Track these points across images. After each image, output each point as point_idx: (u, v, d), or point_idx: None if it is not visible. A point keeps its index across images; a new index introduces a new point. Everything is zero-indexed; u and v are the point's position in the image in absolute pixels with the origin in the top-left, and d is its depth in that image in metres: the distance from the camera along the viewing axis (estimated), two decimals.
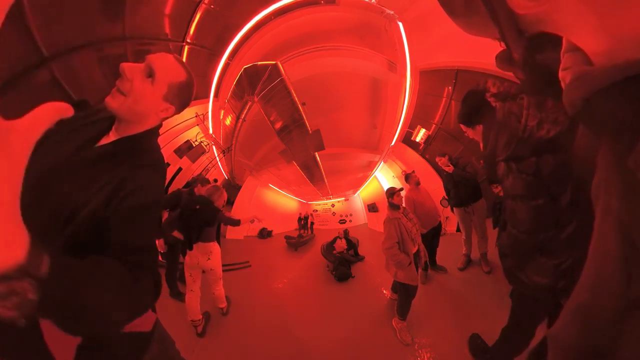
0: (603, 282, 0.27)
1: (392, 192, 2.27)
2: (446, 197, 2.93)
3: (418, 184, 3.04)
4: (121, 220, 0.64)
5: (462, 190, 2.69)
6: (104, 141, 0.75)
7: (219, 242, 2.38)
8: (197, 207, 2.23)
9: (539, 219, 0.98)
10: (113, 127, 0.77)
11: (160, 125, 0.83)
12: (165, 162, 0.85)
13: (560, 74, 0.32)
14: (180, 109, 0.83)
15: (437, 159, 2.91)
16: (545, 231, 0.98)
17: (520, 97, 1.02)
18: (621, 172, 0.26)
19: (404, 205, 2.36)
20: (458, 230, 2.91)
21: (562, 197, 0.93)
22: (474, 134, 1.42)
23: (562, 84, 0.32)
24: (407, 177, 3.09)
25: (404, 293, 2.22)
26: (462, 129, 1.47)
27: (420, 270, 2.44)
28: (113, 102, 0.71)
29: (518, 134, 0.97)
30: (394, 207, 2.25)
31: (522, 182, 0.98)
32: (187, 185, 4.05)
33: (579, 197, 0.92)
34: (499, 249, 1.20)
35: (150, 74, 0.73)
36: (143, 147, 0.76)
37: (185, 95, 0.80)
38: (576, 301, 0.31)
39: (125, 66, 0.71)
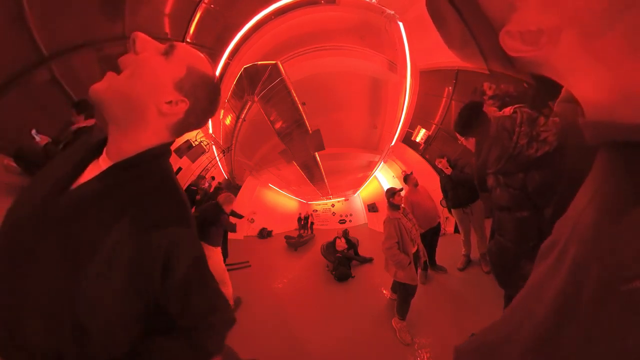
0: (518, 334, 0.26)
1: (392, 192, 2.27)
2: (443, 199, 2.96)
3: (416, 185, 3.06)
4: (170, 303, 0.47)
5: (461, 191, 2.71)
6: (90, 173, 0.48)
7: (225, 250, 2.51)
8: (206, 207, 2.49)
9: (524, 229, 1.04)
10: (104, 150, 0.51)
11: (171, 142, 0.55)
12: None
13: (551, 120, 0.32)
14: (199, 114, 0.55)
15: (436, 162, 2.95)
16: (529, 240, 1.04)
17: (514, 112, 1.07)
18: (585, 249, 0.24)
19: (403, 205, 2.36)
20: (456, 231, 2.91)
21: (546, 210, 0.99)
22: (467, 143, 1.51)
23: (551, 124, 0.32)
24: (406, 178, 3.12)
25: (403, 293, 2.22)
26: (457, 137, 1.53)
27: (420, 271, 2.45)
28: (98, 85, 0.47)
29: (509, 150, 1.03)
30: (394, 207, 2.25)
31: (509, 195, 1.05)
32: (190, 186, 4.07)
33: (563, 210, 0.94)
34: (489, 256, 1.26)
35: (167, 53, 0.51)
36: (150, 179, 0.49)
37: (205, 93, 0.54)
38: (489, 338, 0.31)
39: (139, 35, 0.49)
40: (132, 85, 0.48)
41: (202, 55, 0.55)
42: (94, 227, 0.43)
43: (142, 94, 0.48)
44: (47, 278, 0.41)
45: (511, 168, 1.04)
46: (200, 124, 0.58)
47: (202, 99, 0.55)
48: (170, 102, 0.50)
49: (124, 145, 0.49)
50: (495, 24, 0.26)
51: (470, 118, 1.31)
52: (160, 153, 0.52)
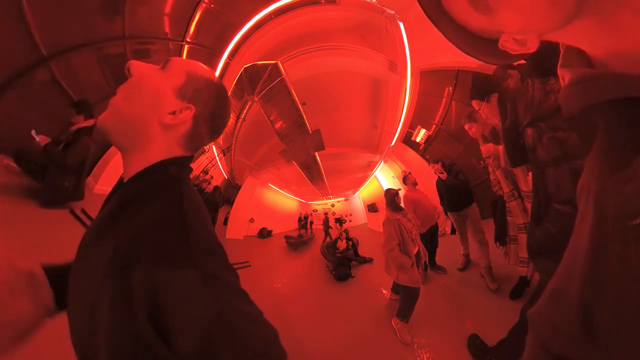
0: (573, 274, 0.30)
1: (393, 193, 2.26)
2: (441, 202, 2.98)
3: (415, 184, 3.08)
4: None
5: (455, 196, 2.77)
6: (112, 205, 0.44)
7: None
8: None
9: None
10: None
11: (188, 158, 0.49)
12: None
13: (559, 71, 0.33)
14: (210, 121, 0.49)
15: (430, 166, 2.97)
16: None
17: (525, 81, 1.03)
18: (599, 190, 0.28)
19: (402, 205, 2.36)
20: (453, 232, 2.93)
21: None
22: (490, 108, 1.36)
23: (561, 82, 0.33)
24: (405, 179, 3.15)
25: (406, 296, 2.18)
26: (475, 108, 1.43)
27: (420, 271, 2.44)
28: (102, 114, 0.44)
29: (535, 99, 0.94)
30: (396, 208, 2.23)
31: (558, 140, 0.87)
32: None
33: None
34: (532, 247, 1.03)
35: (163, 66, 0.48)
36: (151, 198, 0.40)
37: (211, 97, 0.49)
38: (553, 287, 0.34)
39: (133, 63, 0.47)
40: (129, 104, 0.44)
41: (199, 63, 0.51)
42: (99, 254, 0.37)
43: (142, 111, 0.44)
44: (84, 292, 0.38)
45: (547, 111, 0.91)
46: (214, 132, 0.52)
47: (210, 103, 0.49)
48: (174, 112, 0.45)
49: (135, 166, 0.44)
50: (486, 38, 0.33)
51: (485, 77, 1.25)
52: (165, 167, 0.44)
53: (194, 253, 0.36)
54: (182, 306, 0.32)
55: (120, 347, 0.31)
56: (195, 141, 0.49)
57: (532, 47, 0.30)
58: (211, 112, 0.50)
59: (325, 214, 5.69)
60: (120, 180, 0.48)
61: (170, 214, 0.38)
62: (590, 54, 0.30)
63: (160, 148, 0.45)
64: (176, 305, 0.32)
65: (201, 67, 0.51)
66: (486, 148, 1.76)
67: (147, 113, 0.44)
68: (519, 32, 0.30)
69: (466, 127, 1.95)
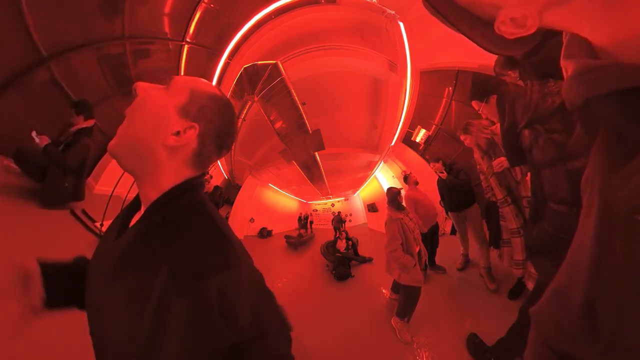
0: (577, 271, 0.29)
1: (395, 193, 2.25)
2: (441, 201, 2.98)
3: (416, 183, 3.09)
4: (246, 338, 0.43)
5: (455, 196, 2.74)
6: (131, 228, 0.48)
7: None
8: None
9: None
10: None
11: (200, 177, 0.51)
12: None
13: (562, 62, 0.32)
14: (216, 138, 0.50)
15: (431, 165, 2.96)
16: None
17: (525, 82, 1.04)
18: (604, 184, 0.27)
19: (404, 204, 2.35)
20: (452, 233, 2.92)
21: None
22: (489, 109, 1.37)
23: (564, 73, 0.32)
24: (406, 178, 3.14)
25: (408, 295, 2.17)
26: (475, 109, 1.43)
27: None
28: (112, 140, 0.46)
29: (533, 102, 0.95)
30: (397, 207, 2.21)
31: (554, 143, 0.90)
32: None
33: None
34: (530, 247, 1.08)
35: (167, 85, 0.49)
36: (179, 221, 0.44)
37: (216, 113, 0.49)
38: (556, 284, 0.33)
39: (140, 84, 0.47)
40: (133, 128, 0.45)
41: (205, 80, 0.52)
42: (137, 278, 0.40)
43: (145, 133, 0.45)
44: (117, 325, 0.41)
45: (545, 113, 0.93)
46: (222, 149, 0.52)
47: (215, 120, 0.49)
48: (178, 132, 0.46)
49: (149, 193, 0.46)
50: (485, 19, 0.31)
51: (485, 78, 1.26)
52: (182, 191, 0.46)
53: (238, 253, 0.45)
54: (238, 294, 0.42)
55: (197, 343, 0.38)
56: (204, 159, 0.50)
57: (532, 26, 0.28)
58: (217, 128, 0.50)
59: (338, 212, 5.72)
60: (131, 205, 0.52)
61: (210, 230, 0.44)
62: (594, 43, 0.28)
63: (170, 172, 0.47)
64: (235, 294, 0.41)
65: (204, 83, 0.51)
66: (498, 162, 1.75)
67: (150, 136, 0.45)
68: (519, 4, 0.27)
69: (461, 138, 1.99)
